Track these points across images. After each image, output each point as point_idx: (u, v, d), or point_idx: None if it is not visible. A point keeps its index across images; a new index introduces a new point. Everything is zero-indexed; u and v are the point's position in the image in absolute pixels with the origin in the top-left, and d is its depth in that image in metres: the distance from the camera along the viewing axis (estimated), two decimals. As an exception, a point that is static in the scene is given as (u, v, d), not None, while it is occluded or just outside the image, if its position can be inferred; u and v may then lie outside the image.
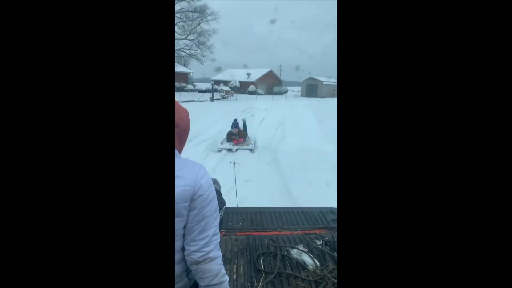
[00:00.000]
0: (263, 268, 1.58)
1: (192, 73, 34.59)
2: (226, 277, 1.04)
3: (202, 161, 6.22)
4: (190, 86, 31.59)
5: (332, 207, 2.44)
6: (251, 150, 7.16)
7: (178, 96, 25.61)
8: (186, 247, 0.97)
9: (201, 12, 29.29)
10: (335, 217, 2.26)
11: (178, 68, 31.25)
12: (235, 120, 8.00)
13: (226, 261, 1.64)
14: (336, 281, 1.46)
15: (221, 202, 2.08)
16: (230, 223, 2.10)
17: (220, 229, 1.95)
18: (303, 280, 1.50)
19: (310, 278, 1.51)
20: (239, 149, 7.11)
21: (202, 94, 27.29)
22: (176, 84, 29.19)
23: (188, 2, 28.43)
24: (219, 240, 1.02)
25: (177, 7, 28.33)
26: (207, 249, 0.96)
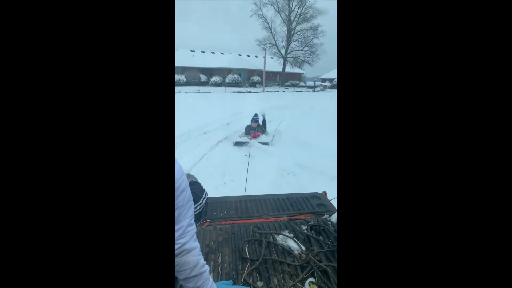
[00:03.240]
0: (248, 256, 1.57)
1: (304, 73, 50.31)
2: (206, 267, 1.01)
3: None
4: (302, 83, 46.19)
5: (317, 192, 2.41)
6: (267, 143, 7.33)
7: (292, 90, 38.67)
8: None
9: (314, 30, 43.66)
10: (320, 201, 2.25)
11: (295, 69, 46.56)
12: (256, 114, 8.12)
13: (211, 251, 1.62)
14: (320, 264, 1.46)
15: (201, 191, 2.05)
16: (214, 213, 2.07)
17: (204, 220, 1.96)
18: (288, 265, 1.50)
19: (296, 263, 1.51)
20: (256, 142, 7.32)
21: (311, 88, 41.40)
22: (292, 81, 44.25)
23: (307, 22, 43.39)
24: (195, 230, 0.99)
25: (298, 27, 43.75)
26: (182, 240, 0.93)
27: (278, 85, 42.69)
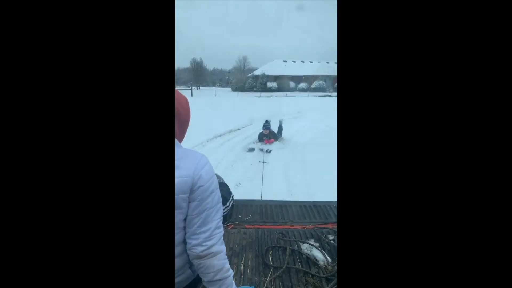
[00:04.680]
0: (271, 262, 1.53)
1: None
2: (231, 272, 0.99)
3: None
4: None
5: None
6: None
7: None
8: (188, 241, 0.92)
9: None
10: None
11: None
12: (266, 121, 8.17)
13: (234, 254, 1.61)
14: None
15: (228, 193, 2.04)
16: (239, 216, 2.05)
17: (228, 222, 1.95)
18: (313, 276, 1.42)
19: (321, 275, 1.43)
20: (269, 149, 7.37)
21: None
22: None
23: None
24: (222, 233, 0.97)
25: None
26: (209, 243, 0.91)
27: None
